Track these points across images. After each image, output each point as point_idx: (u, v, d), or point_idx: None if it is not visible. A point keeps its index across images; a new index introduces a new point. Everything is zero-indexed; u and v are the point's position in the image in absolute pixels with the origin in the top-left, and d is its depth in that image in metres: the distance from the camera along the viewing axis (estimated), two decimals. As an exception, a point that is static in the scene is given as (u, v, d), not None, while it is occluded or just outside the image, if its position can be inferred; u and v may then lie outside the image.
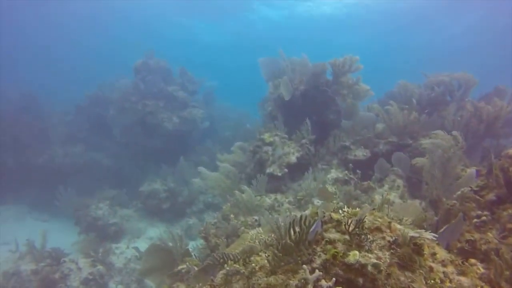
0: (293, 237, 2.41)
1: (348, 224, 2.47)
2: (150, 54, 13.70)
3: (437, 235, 2.54)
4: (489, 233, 3.47)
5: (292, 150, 6.74)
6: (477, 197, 4.10)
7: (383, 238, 2.52)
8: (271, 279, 2.36)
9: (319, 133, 7.24)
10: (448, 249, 3.38)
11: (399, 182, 5.99)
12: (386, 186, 5.98)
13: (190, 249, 5.32)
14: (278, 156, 6.63)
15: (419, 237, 2.45)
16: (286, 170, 6.48)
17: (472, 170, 4.05)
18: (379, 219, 2.64)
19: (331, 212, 2.78)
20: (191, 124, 12.47)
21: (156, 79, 12.88)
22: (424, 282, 2.32)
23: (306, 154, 6.80)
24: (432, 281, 2.35)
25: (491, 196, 4.00)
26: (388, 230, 2.57)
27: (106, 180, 11.98)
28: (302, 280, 2.22)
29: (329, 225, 2.64)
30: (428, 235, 2.41)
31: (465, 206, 4.00)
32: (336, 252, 2.33)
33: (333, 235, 2.51)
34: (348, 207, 2.86)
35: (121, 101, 12.47)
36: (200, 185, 7.24)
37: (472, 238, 3.57)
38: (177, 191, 10.88)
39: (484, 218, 3.70)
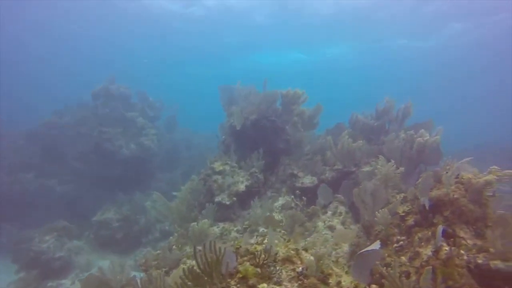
0: (202, 267, 2.49)
1: (259, 257, 2.60)
2: (111, 79, 13.59)
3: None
4: (402, 257, 3.75)
5: (241, 179, 6.89)
6: (400, 222, 4.43)
7: (293, 269, 2.67)
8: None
9: (270, 161, 7.48)
10: (372, 273, 3.60)
11: (341, 208, 6.28)
12: (329, 213, 6.23)
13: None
14: (227, 184, 6.73)
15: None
16: (234, 198, 6.59)
17: (393, 198, 4.38)
18: (291, 251, 2.80)
19: (248, 245, 2.90)
20: (149, 150, 12.32)
21: (116, 105, 12.72)
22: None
23: (256, 182, 6.98)
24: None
25: (410, 221, 4.34)
26: (299, 262, 2.73)
27: (58, 210, 11.36)
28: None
29: (245, 258, 2.76)
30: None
31: (388, 231, 4.30)
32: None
33: (244, 267, 2.62)
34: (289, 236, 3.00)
35: (77, 127, 12.12)
36: (155, 213, 7.15)
37: (391, 262, 3.83)
38: (133, 220, 10.54)
39: (401, 242, 4.00)
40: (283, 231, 5.58)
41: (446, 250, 3.45)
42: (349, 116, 7.94)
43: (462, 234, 3.75)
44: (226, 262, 2.57)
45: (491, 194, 4.01)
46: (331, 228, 5.86)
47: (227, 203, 6.50)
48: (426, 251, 3.61)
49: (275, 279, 2.55)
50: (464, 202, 3.89)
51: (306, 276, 2.58)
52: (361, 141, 6.62)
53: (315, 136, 8.67)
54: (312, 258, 2.61)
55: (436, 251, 3.46)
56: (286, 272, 2.63)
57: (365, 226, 5.01)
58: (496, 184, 3.84)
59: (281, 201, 6.70)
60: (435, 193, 4.00)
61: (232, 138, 7.92)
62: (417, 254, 3.69)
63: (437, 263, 3.34)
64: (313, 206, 6.17)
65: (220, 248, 2.58)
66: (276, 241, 2.68)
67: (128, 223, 10.33)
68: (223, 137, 8.28)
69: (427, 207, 3.97)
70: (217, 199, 6.57)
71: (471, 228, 3.80)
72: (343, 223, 6.00)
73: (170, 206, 6.52)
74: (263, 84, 7.69)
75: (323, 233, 5.69)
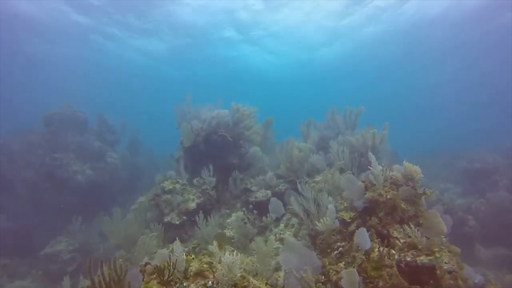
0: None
1: (164, 274, 2.40)
2: (66, 105, 13.08)
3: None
4: (340, 263, 3.64)
5: (192, 197, 6.65)
6: (342, 228, 4.36)
7: (204, 284, 2.48)
8: None
9: (224, 177, 7.31)
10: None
11: (294, 220, 6.16)
12: (281, 225, 6.10)
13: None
14: (177, 203, 6.46)
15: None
16: (185, 217, 6.31)
17: (332, 206, 4.32)
18: (204, 265, 2.62)
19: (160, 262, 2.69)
20: (108, 175, 11.77)
21: (70, 130, 12.18)
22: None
23: (208, 199, 6.76)
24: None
25: (353, 226, 4.29)
26: (211, 276, 2.55)
27: (6, 248, 10.42)
28: None
29: (153, 276, 2.54)
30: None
31: (329, 239, 4.21)
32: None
33: (148, 286, 2.40)
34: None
35: (26, 154, 11.42)
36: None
37: (330, 270, 3.71)
38: (88, 249, 9.85)
39: (341, 249, 3.91)
40: (232, 248, 5.34)
41: (376, 252, 3.39)
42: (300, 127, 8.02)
43: (396, 234, 3.73)
44: (128, 282, 2.34)
45: (422, 192, 4.06)
46: (283, 240, 5.70)
47: (177, 222, 6.20)
48: (361, 255, 3.53)
49: (182, 296, 2.34)
50: (397, 201, 3.90)
51: (215, 290, 2.40)
52: (309, 152, 6.63)
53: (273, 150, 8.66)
54: (222, 271, 2.44)
55: (368, 254, 3.39)
56: (196, 287, 2.44)
57: (311, 235, 4.90)
58: (420, 180, 3.89)
59: (234, 217, 6.48)
60: (368, 194, 3.98)
61: (185, 155, 7.71)
62: (354, 259, 3.61)
63: (369, 265, 3.26)
64: (264, 219, 6.02)
65: (121, 267, 2.36)
66: (184, 256, 2.49)
67: (82, 253, 9.62)
68: (177, 155, 8.05)
69: (359, 210, 3.94)
70: (166, 219, 6.26)
71: (405, 227, 3.78)
72: (295, 235, 5.86)
73: (114, 231, 6.15)
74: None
75: (274, 246, 5.52)
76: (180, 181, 6.92)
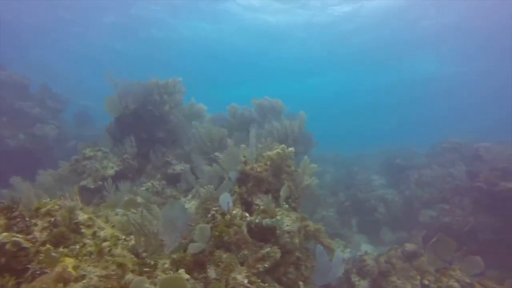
0: None
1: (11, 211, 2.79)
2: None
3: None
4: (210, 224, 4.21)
5: (112, 165, 6.96)
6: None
7: (49, 221, 2.91)
8: None
9: (148, 150, 7.67)
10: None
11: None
12: (189, 196, 6.61)
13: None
14: (95, 169, 6.76)
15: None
16: (100, 182, 6.63)
17: (215, 176, 4.88)
18: (56, 206, 3.04)
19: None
20: (42, 142, 11.63)
21: (6, 94, 11.81)
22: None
23: (127, 168, 7.10)
24: None
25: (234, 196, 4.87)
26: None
27: None
28: None
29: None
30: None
31: (211, 205, 4.78)
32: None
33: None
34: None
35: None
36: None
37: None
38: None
39: (213, 212, 4.48)
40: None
41: (233, 213, 3.99)
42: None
43: (258, 201, 4.35)
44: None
45: (291, 170, 4.71)
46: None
47: (92, 186, 6.52)
48: (219, 215, 4.11)
49: (26, 231, 2.76)
50: (264, 175, 4.52)
51: (56, 226, 2.84)
52: (223, 128, 7.15)
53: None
54: (64, 210, 2.88)
55: (223, 214, 3.97)
56: (43, 223, 2.86)
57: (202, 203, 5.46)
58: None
59: (149, 184, 6.90)
60: (241, 167, 4.57)
61: (114, 127, 7.95)
62: (214, 218, 4.17)
63: (222, 224, 3.84)
64: (171, 190, 6.50)
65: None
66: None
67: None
68: (107, 126, 8.26)
69: (233, 179, 4.53)
70: (82, 183, 6.56)
71: (269, 197, 4.41)
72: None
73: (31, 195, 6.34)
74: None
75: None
76: (103, 149, 7.19)
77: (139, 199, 6.45)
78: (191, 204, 6.39)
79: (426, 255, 6.19)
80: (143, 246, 3.18)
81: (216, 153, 6.57)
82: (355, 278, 6.54)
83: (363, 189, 11.41)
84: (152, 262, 3.00)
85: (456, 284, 5.44)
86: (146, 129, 7.83)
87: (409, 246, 6.61)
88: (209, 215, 4.54)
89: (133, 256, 2.99)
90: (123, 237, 3.12)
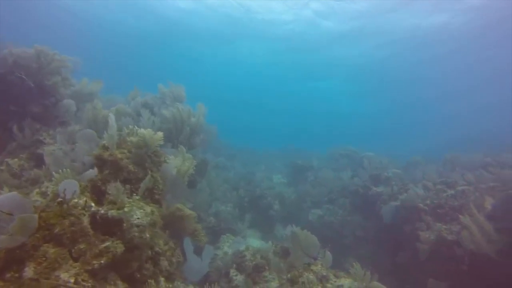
0: None
1: None
2: None
3: None
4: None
5: (-42, 137, 5.82)
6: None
7: None
8: None
9: (17, 125, 6.62)
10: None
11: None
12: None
13: None
14: None
15: None
16: None
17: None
18: None
19: None
20: None
21: None
22: None
23: (-20, 143, 6.03)
24: None
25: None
26: None
27: None
28: None
29: None
30: None
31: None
32: None
33: None
34: None
35: None
36: None
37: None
38: None
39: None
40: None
41: (72, 202, 3.61)
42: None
43: (112, 191, 4.02)
44: None
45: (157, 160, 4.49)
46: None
47: None
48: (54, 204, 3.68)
49: None
50: (126, 163, 4.21)
51: None
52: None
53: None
54: None
55: (61, 203, 3.57)
56: None
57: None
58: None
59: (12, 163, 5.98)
60: (97, 152, 4.20)
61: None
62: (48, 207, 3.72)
63: (53, 213, 3.43)
64: (35, 170, 5.75)
65: None
66: None
67: None
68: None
69: (87, 165, 4.15)
70: None
71: (128, 186, 4.13)
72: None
73: None
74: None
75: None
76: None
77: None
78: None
79: (294, 252, 6.62)
80: None
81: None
82: (233, 273, 6.70)
83: (262, 186, 11.85)
84: None
85: (312, 276, 5.93)
86: (16, 100, 6.75)
87: (287, 243, 7.02)
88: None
89: None
90: None
